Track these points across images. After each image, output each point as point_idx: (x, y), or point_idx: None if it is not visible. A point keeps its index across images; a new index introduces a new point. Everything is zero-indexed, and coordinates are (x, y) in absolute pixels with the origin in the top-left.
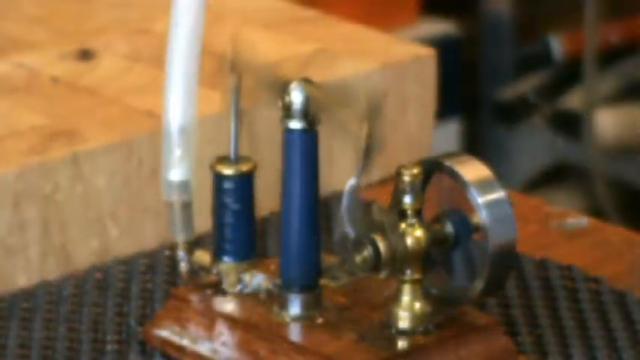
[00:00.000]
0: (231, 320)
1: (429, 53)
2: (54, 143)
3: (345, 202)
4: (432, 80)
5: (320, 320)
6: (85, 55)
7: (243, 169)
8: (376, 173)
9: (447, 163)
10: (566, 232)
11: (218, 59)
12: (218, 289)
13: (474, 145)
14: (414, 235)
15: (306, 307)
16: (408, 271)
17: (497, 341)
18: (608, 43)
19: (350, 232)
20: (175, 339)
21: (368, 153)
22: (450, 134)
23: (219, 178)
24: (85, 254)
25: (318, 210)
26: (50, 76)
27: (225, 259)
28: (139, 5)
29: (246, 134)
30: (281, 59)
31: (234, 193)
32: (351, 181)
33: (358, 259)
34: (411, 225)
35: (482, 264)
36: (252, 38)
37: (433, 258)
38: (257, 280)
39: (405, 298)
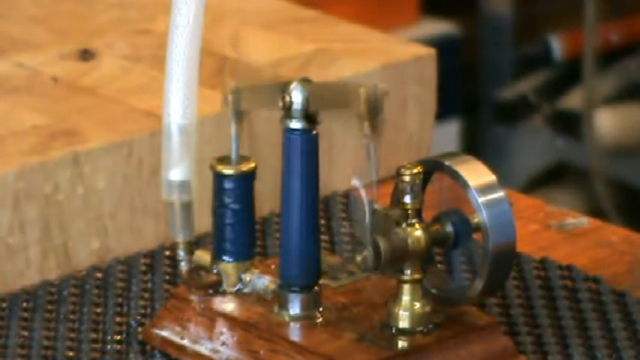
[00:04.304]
0: (231, 320)
1: (429, 53)
2: (54, 143)
3: (348, 202)
4: (432, 80)
5: (320, 320)
6: (85, 55)
7: (243, 169)
8: (377, 173)
9: (447, 163)
10: (566, 232)
11: (218, 59)
12: (218, 289)
13: (473, 145)
14: (414, 235)
15: (306, 306)
16: (408, 271)
17: (497, 341)
18: (608, 43)
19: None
20: (175, 339)
21: (373, 113)
22: (450, 134)
23: (219, 178)
24: (85, 254)
25: (318, 210)
26: (50, 76)
27: (225, 259)
28: (139, 5)
29: (246, 134)
30: (281, 59)
31: (234, 193)
32: (354, 181)
33: (358, 259)
34: (411, 225)
35: (482, 264)
36: (252, 38)
37: (433, 258)
38: (257, 279)
39: (405, 298)
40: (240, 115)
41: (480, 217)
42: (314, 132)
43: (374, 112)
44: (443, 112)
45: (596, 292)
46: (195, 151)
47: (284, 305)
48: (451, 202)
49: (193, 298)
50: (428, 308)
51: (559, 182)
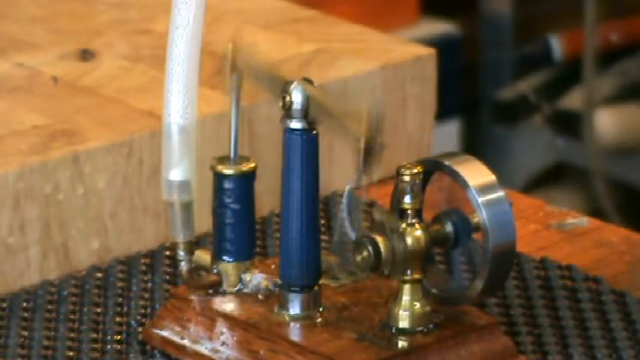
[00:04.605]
0: (231, 320)
1: (429, 53)
2: (54, 143)
3: (345, 202)
4: (432, 80)
5: (320, 320)
6: (85, 55)
7: (243, 169)
8: (376, 173)
9: (447, 163)
10: (566, 232)
11: (218, 59)
12: (218, 289)
13: (473, 145)
14: (414, 235)
15: (306, 306)
16: (408, 271)
17: (497, 341)
18: (608, 43)
19: (350, 232)
20: (175, 339)
21: (369, 153)
22: (450, 134)
23: (219, 178)
24: (85, 254)
25: (318, 210)
26: (50, 76)
27: (225, 259)
28: (139, 5)
29: (246, 134)
30: (281, 59)
31: (234, 193)
32: (351, 182)
33: (358, 259)
34: (411, 225)
35: (482, 264)
36: (252, 38)
37: (433, 258)
38: (257, 280)
39: (405, 298)
40: (237, 71)
41: (480, 217)
42: (314, 132)
43: (373, 162)
44: (443, 112)
45: (596, 292)
46: (195, 151)
47: (284, 305)
48: (451, 202)
49: (193, 298)
50: (428, 308)
51: (559, 182)
